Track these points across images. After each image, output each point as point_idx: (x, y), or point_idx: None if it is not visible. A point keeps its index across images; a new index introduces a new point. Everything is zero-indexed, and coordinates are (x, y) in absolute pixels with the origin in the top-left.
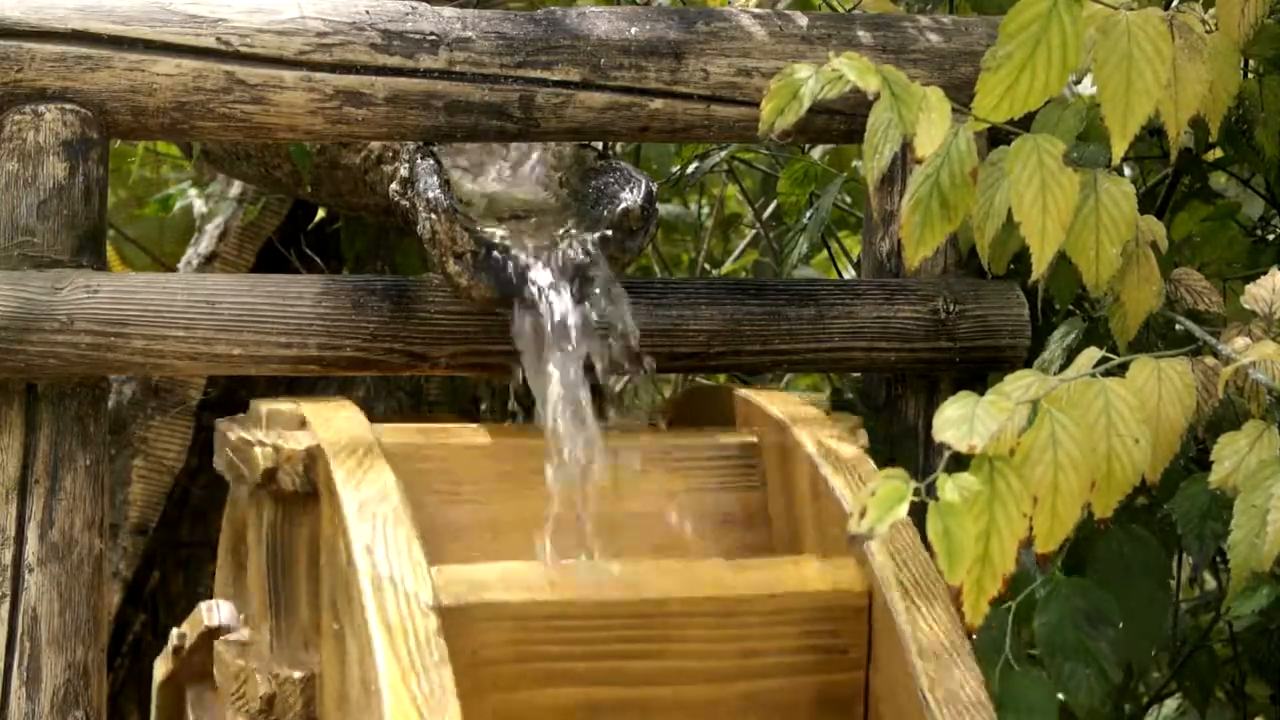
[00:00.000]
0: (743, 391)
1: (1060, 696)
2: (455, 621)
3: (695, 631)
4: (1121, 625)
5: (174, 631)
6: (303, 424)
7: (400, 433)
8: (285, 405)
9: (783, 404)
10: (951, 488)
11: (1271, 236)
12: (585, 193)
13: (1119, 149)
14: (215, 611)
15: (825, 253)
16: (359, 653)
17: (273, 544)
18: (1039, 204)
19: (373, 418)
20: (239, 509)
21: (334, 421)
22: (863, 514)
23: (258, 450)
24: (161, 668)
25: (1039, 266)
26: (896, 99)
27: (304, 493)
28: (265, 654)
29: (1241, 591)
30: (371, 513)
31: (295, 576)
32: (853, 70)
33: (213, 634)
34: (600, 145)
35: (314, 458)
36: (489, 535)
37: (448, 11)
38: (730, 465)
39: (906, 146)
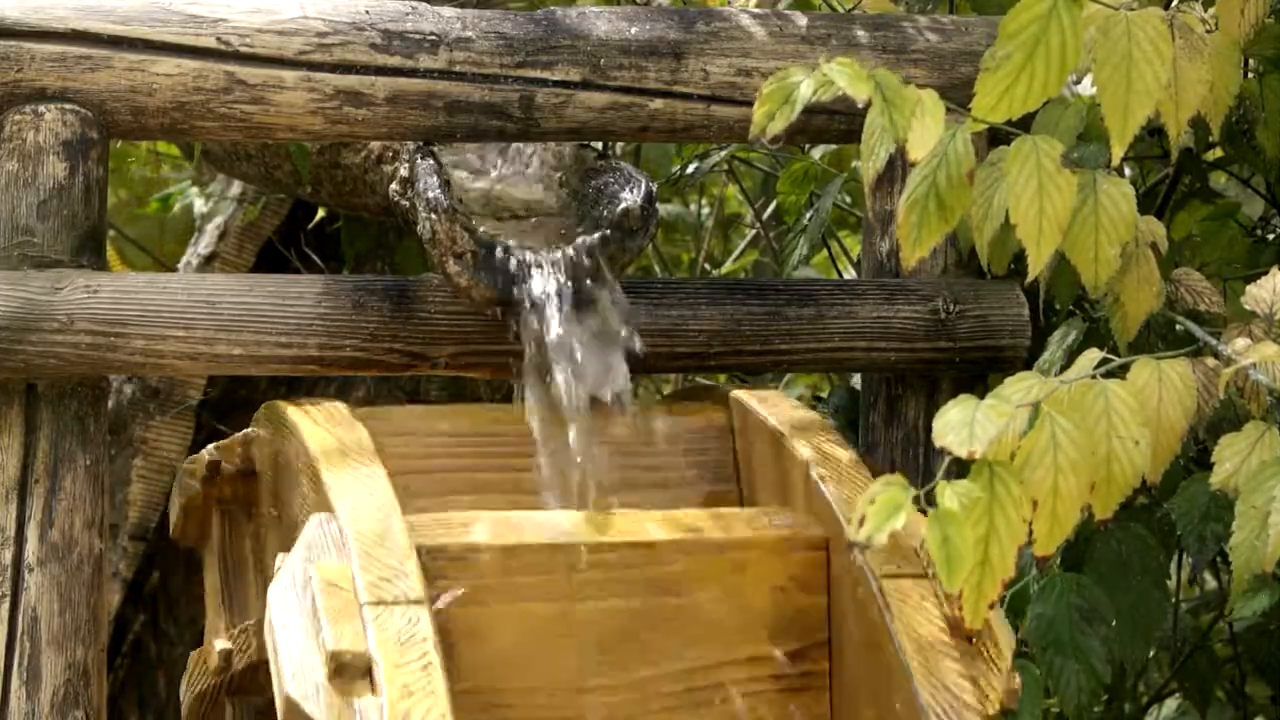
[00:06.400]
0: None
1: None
2: None
3: None
4: (1116, 624)
5: (207, 450)
6: None
7: None
8: None
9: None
10: (951, 495)
11: (1271, 236)
12: (585, 193)
13: (1119, 149)
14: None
15: (825, 253)
16: None
17: None
18: (1036, 205)
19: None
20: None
21: None
22: (861, 522)
23: None
24: (189, 487)
25: (1035, 268)
26: (888, 104)
27: None
28: None
29: (1243, 593)
30: None
31: None
32: (844, 77)
33: (253, 473)
34: (600, 145)
35: None
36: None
37: (448, 11)
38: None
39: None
